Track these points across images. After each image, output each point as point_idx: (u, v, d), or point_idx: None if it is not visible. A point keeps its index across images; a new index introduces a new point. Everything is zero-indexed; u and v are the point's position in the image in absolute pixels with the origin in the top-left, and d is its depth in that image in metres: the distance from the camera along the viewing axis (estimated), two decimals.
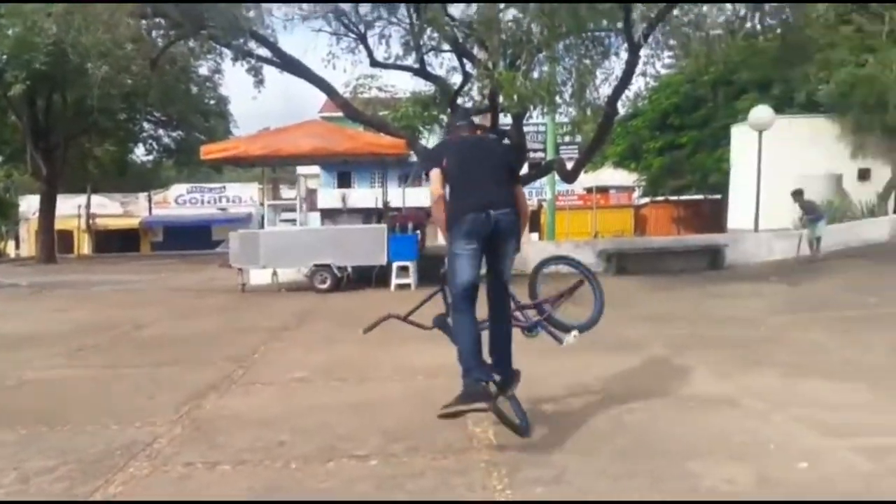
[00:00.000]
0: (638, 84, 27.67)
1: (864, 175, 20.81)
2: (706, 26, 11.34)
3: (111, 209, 40.82)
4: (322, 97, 14.46)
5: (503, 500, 3.11)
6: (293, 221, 15.36)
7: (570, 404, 4.49)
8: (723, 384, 4.89)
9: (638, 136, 29.34)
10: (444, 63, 13.15)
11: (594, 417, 4.19)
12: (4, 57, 20.42)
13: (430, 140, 15.76)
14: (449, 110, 13.54)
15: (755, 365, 5.42)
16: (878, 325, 7.17)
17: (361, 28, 12.47)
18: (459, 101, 13.19)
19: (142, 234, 41.83)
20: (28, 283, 15.91)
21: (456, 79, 13.13)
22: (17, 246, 40.19)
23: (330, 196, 32.96)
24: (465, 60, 12.52)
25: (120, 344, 7.46)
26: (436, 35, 11.75)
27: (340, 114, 14.11)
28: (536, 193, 29.27)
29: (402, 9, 11.82)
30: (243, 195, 41.64)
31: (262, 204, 16.21)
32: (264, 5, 12.21)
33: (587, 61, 11.81)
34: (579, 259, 5.14)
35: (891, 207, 19.60)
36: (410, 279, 12.05)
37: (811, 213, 13.69)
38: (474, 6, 11.83)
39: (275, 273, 12.87)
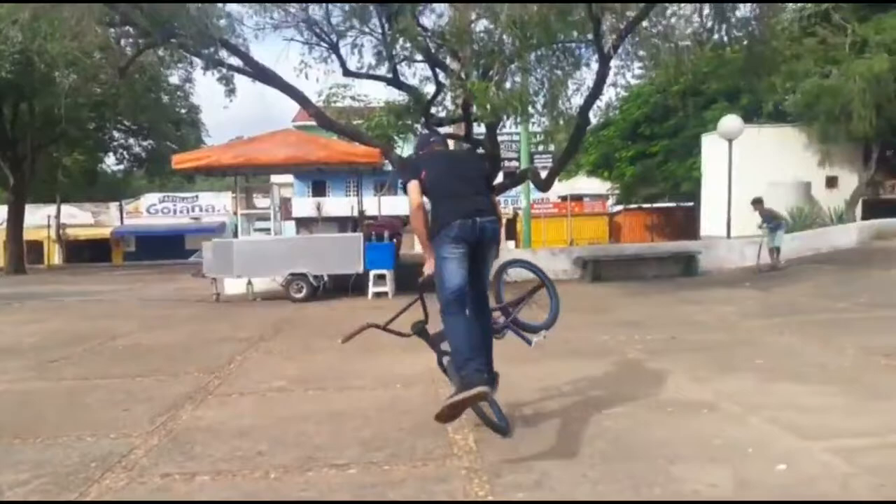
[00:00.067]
0: (609, 94, 27.90)
1: (831, 182, 21.26)
2: (675, 37, 11.57)
3: (82, 219, 40.22)
4: (295, 106, 14.44)
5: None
6: (267, 230, 15.25)
7: (550, 410, 4.50)
8: (700, 388, 4.94)
9: (610, 145, 29.63)
10: (417, 73, 13.23)
11: (574, 423, 4.20)
12: None
13: (405, 149, 15.78)
14: (423, 120, 13.60)
15: (731, 369, 5.49)
16: (848, 328, 7.31)
17: (333, 38, 12.47)
18: (433, 110, 13.26)
19: (113, 244, 41.26)
20: None
21: (429, 88, 13.21)
22: None
23: (305, 205, 32.81)
24: (437, 70, 12.58)
25: (93, 355, 7.33)
26: (408, 45, 11.78)
27: (314, 123, 14.06)
28: (512, 202, 29.43)
29: (374, 18, 11.84)
30: (216, 204, 41.29)
31: (235, 213, 16.09)
32: (235, 14, 12.18)
33: (559, 72, 11.97)
34: (537, 264, 5.20)
35: (858, 214, 20.02)
36: (388, 287, 12.03)
37: (770, 222, 13.74)
38: (446, 17, 11.93)
39: (250, 282, 12.76)
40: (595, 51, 11.28)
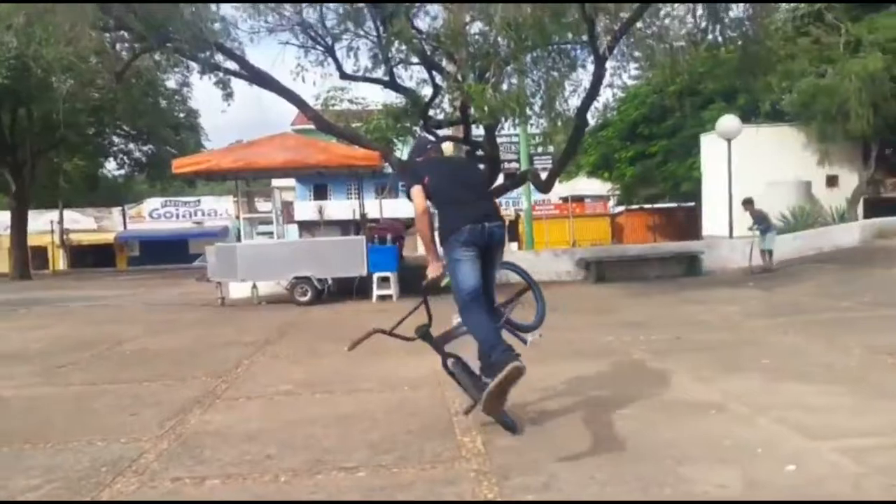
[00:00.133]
0: (606, 95, 28.11)
1: (832, 181, 21.27)
2: (669, 38, 11.60)
3: (85, 224, 40.31)
4: (294, 109, 14.43)
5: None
6: (270, 234, 15.27)
7: (556, 411, 4.52)
8: (706, 388, 4.95)
9: (609, 145, 29.66)
10: (413, 75, 13.26)
11: (581, 424, 4.22)
12: None
13: (404, 151, 15.80)
14: (421, 122, 13.62)
15: (736, 369, 5.50)
16: (853, 327, 7.31)
17: (329, 41, 12.49)
18: (431, 112, 13.28)
19: (117, 249, 41.34)
20: (4, 301, 15.62)
21: (426, 91, 13.21)
22: None
23: (307, 208, 32.85)
24: (434, 73, 12.59)
25: (100, 360, 7.36)
26: (404, 48, 11.81)
27: (313, 126, 14.09)
28: (513, 203, 29.46)
29: (369, 21, 11.86)
30: (218, 208, 41.35)
31: (237, 217, 16.10)
32: (229, 18, 12.21)
33: (555, 73, 12.00)
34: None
35: (860, 213, 20.03)
36: (391, 290, 12.05)
37: (761, 224, 13.66)
38: (440, 19, 11.96)
39: (254, 286, 12.79)
40: (590, 52, 11.30)
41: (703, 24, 11.63)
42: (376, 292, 12.05)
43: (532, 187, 16.89)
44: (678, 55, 11.74)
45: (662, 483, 3.24)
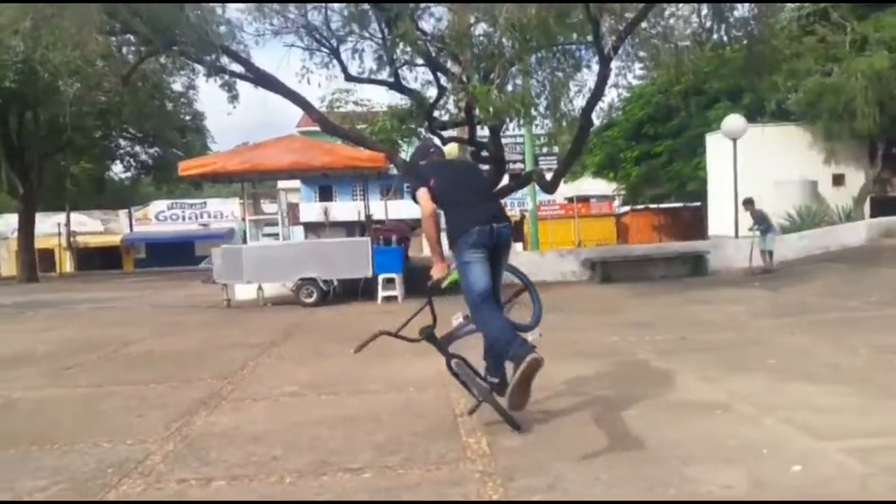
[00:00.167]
0: (611, 95, 27.97)
1: (838, 181, 21.20)
2: (674, 38, 11.58)
3: (91, 227, 40.45)
4: (299, 111, 14.45)
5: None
6: (276, 236, 15.29)
7: (561, 412, 4.51)
8: (712, 389, 4.94)
9: (614, 145, 29.66)
10: (418, 77, 13.22)
11: (586, 425, 4.22)
12: None
13: (409, 153, 15.81)
14: (426, 123, 13.62)
15: (742, 369, 5.48)
16: (860, 327, 7.29)
17: (334, 43, 12.49)
18: (436, 114, 13.28)
19: (124, 251, 41.49)
20: (11, 303, 15.70)
21: (431, 92, 13.22)
22: None
23: (312, 210, 32.89)
24: (439, 74, 12.59)
25: (107, 362, 7.38)
26: (408, 49, 11.81)
27: (318, 128, 14.11)
28: (518, 204, 29.44)
29: (374, 23, 11.88)
30: (224, 210, 41.46)
31: (243, 219, 16.15)
32: (235, 20, 12.25)
33: (560, 74, 12.00)
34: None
35: (867, 212, 19.95)
36: (397, 291, 12.06)
37: (761, 224, 13.57)
38: (445, 21, 11.96)
39: (260, 288, 12.81)
40: (595, 52, 11.30)
41: (708, 24, 11.62)
42: (381, 293, 12.06)
43: (537, 188, 16.88)
44: (683, 55, 11.73)
45: (668, 483, 3.24)
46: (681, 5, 11.59)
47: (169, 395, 5.58)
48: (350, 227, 16.13)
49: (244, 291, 13.16)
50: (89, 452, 4.13)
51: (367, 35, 12.13)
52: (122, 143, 30.59)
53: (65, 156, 28.83)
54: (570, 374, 5.43)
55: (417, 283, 10.13)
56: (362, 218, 15.49)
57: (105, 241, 40.44)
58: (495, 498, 3.21)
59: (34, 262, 26.99)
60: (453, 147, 15.71)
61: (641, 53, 12.38)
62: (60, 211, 35.86)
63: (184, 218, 42.30)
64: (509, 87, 11.01)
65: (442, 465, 3.67)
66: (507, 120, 11.86)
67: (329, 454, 3.91)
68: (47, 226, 34.23)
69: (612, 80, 12.08)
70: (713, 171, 22.20)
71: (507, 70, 10.69)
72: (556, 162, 19.29)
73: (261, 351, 7.56)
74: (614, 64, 11.70)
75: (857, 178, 20.96)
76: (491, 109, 10.22)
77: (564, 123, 12.45)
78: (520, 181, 15.34)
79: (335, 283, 12.58)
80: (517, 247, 22.59)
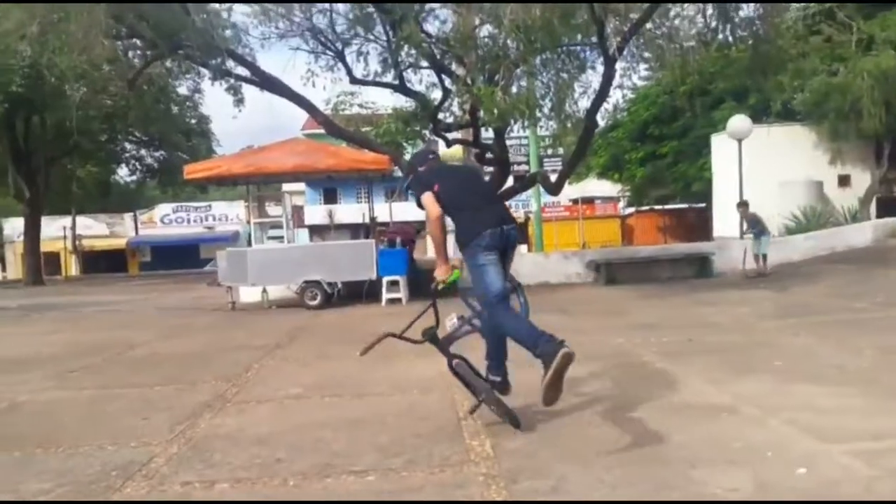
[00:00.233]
0: (616, 96, 27.94)
1: (844, 181, 21.11)
2: (679, 38, 11.57)
3: (97, 230, 40.63)
4: (304, 114, 14.49)
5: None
6: (281, 238, 15.33)
7: (566, 414, 4.49)
8: (717, 391, 4.92)
9: (619, 147, 29.61)
10: (423, 79, 13.25)
11: (590, 426, 4.21)
12: None
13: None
14: (431, 126, 13.63)
15: (748, 371, 5.46)
16: (866, 328, 7.25)
17: (339, 46, 12.52)
18: (440, 116, 13.29)
19: (129, 254, 41.64)
20: (17, 306, 15.77)
21: (436, 94, 13.23)
22: (4, 269, 39.93)
23: (317, 212, 32.95)
24: (443, 76, 12.60)
25: (112, 365, 7.41)
26: (413, 52, 11.83)
27: (323, 131, 14.14)
28: (523, 205, 29.41)
29: (378, 26, 11.90)
30: (229, 213, 41.58)
31: (248, 222, 16.20)
32: (240, 24, 12.29)
33: (564, 75, 12.00)
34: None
35: (873, 213, 19.87)
36: (401, 293, 12.07)
37: (754, 227, 13.42)
38: (449, 23, 11.97)
39: (265, 290, 12.84)
40: (600, 53, 11.28)
41: (714, 24, 11.59)
42: (386, 296, 12.07)
43: (542, 189, 16.87)
44: (688, 55, 11.71)
45: (672, 485, 3.22)
46: (686, 6, 11.57)
47: (173, 398, 5.59)
48: (355, 230, 16.16)
49: (249, 294, 13.19)
50: (94, 455, 4.14)
51: (371, 38, 12.16)
52: (128, 146, 30.72)
53: (71, 159, 28.97)
54: (575, 376, 5.37)
55: (423, 285, 10.13)
56: (367, 220, 15.51)
57: (110, 244, 40.60)
58: (499, 500, 3.20)
59: (40, 266, 27.13)
60: (458, 149, 15.73)
61: (646, 54, 12.40)
62: (66, 214, 36.05)
63: (189, 221, 42.45)
64: (514, 89, 11.01)
65: (446, 467, 3.66)
66: (512, 121, 11.86)
67: (333, 456, 3.91)
68: (53, 229, 34.38)
69: (616, 81, 12.10)
70: (718, 171, 22.15)
71: (511, 72, 10.69)
72: (560, 163, 19.29)
73: (265, 353, 7.57)
74: (619, 65, 11.70)
75: (863, 179, 20.86)
76: (495, 111, 10.22)
77: (569, 125, 12.44)
78: (524, 183, 15.33)
79: (339, 285, 12.59)
80: (521, 248, 22.60)
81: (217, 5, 12.13)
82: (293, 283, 12.47)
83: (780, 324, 7.92)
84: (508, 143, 14.55)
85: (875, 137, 19.51)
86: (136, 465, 3.91)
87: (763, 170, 18.17)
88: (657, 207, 31.29)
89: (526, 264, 13.96)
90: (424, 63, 12.40)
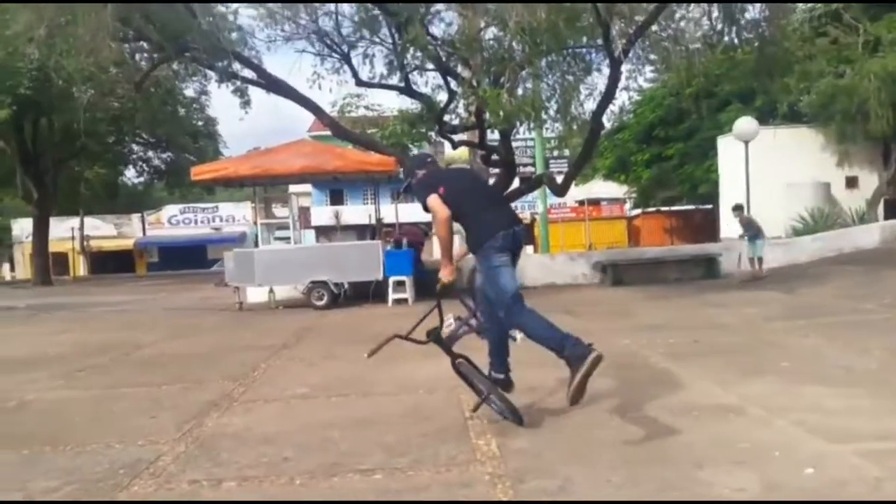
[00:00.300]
0: (622, 98, 27.91)
1: (851, 183, 21.06)
2: (685, 40, 11.54)
3: (105, 231, 40.83)
4: (310, 116, 14.53)
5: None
6: (288, 239, 15.36)
7: (572, 414, 4.48)
8: (724, 392, 4.91)
9: (625, 148, 29.58)
10: (429, 81, 13.25)
11: (597, 427, 4.20)
12: None
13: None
14: (437, 127, 13.65)
15: (756, 372, 5.44)
16: (874, 329, 7.22)
17: (345, 48, 12.54)
18: (446, 118, 13.30)
19: (137, 255, 41.82)
20: (25, 306, 15.85)
21: (442, 96, 13.24)
22: (12, 269, 40.15)
23: (323, 214, 33.02)
24: (449, 78, 12.61)
25: (120, 364, 7.44)
26: (419, 54, 11.84)
27: (329, 133, 14.17)
28: (529, 207, 29.40)
29: (384, 28, 11.92)
30: (236, 214, 41.71)
31: (255, 223, 16.24)
32: (246, 27, 12.33)
33: (570, 77, 11.98)
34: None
35: (880, 214, 19.80)
36: (407, 294, 12.08)
37: (748, 230, 13.31)
38: (455, 25, 11.99)
39: (271, 291, 12.87)
40: (606, 55, 11.26)
41: (720, 26, 11.56)
42: (392, 296, 12.09)
43: (548, 191, 16.86)
44: (694, 57, 11.68)
45: (679, 486, 3.22)
46: (691, 8, 11.55)
47: (181, 397, 5.61)
48: (361, 231, 16.20)
49: (256, 294, 13.22)
50: (101, 453, 4.16)
51: (377, 40, 12.19)
52: (136, 148, 30.86)
53: (79, 161, 29.09)
54: None
55: (429, 286, 10.12)
56: (373, 221, 15.54)
57: (118, 245, 40.78)
58: (505, 500, 3.20)
59: (48, 266, 27.26)
60: (463, 151, 15.74)
61: (652, 56, 12.36)
62: (74, 215, 36.19)
63: (196, 222, 42.59)
64: (520, 91, 11.00)
65: (452, 466, 3.66)
66: (518, 123, 11.85)
67: (339, 455, 3.91)
68: (61, 230, 34.55)
69: (622, 82, 12.05)
70: (725, 173, 22.11)
71: (517, 74, 10.69)
72: (566, 165, 19.27)
73: (272, 353, 7.58)
74: (625, 67, 11.68)
75: (870, 181, 20.80)
76: (501, 113, 10.22)
77: (575, 126, 12.43)
78: (530, 184, 15.32)
79: (346, 285, 12.61)
80: (528, 250, 22.61)
81: (223, 8, 12.19)
82: (300, 284, 12.50)
83: (787, 325, 7.89)
84: (514, 144, 14.53)
85: (882, 139, 19.45)
86: (143, 463, 3.92)
87: (770, 172, 18.12)
88: (663, 209, 31.23)
89: (532, 265, 13.96)
90: (430, 65, 12.41)
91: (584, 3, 9.88)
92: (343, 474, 3.62)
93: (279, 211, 18.10)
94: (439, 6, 11.82)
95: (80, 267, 38.30)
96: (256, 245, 14.30)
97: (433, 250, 16.10)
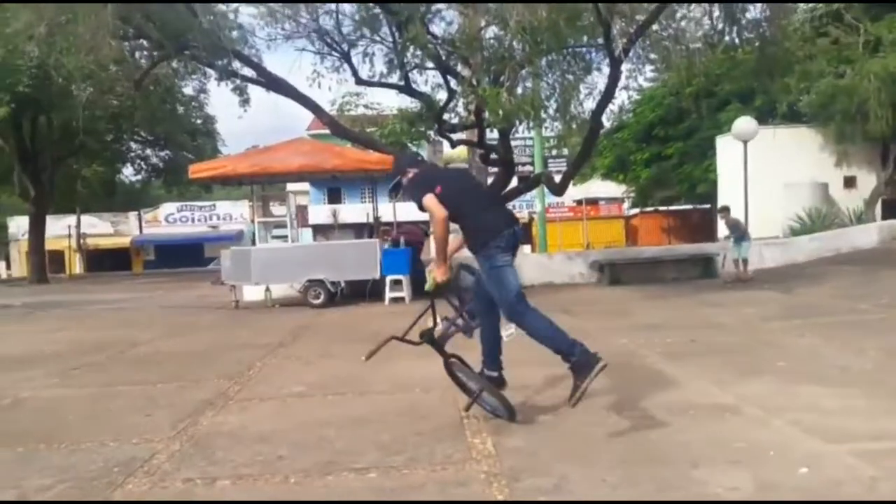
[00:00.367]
0: (622, 97, 27.88)
1: (849, 183, 21.10)
2: (686, 40, 11.53)
3: (102, 229, 40.80)
4: (309, 115, 14.50)
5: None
6: (285, 238, 15.36)
7: (568, 413, 4.46)
8: (721, 391, 4.90)
9: (624, 148, 29.62)
10: (428, 80, 13.21)
11: (593, 426, 4.19)
12: None
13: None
14: (436, 126, 13.63)
15: (752, 371, 5.44)
16: (870, 330, 7.22)
17: (345, 47, 12.52)
18: (445, 117, 13.29)
19: (133, 253, 41.78)
20: (21, 304, 15.83)
21: (441, 95, 13.22)
22: (8, 267, 40.11)
23: (321, 212, 32.99)
24: (449, 77, 12.59)
25: (115, 362, 7.43)
26: (419, 53, 11.82)
27: (328, 131, 14.15)
28: (527, 206, 29.42)
29: (385, 27, 11.90)
30: (234, 213, 41.71)
31: (252, 221, 16.23)
32: (246, 25, 12.32)
33: (570, 76, 11.96)
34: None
35: (878, 214, 19.83)
36: (404, 293, 12.07)
37: (734, 232, 13.23)
38: (455, 24, 11.97)
39: (268, 289, 12.86)
40: (606, 55, 11.25)
41: (720, 26, 11.56)
42: (389, 295, 12.08)
43: (546, 190, 16.85)
44: (694, 57, 11.66)
45: (674, 485, 3.22)
46: (692, 7, 11.54)
47: (176, 395, 5.60)
48: (359, 229, 16.18)
49: (252, 293, 13.21)
50: (96, 451, 4.15)
51: (377, 39, 12.16)
52: (134, 146, 30.86)
53: (77, 159, 29.11)
54: None
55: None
56: (371, 220, 15.52)
57: (115, 243, 40.75)
58: (501, 498, 3.20)
59: (44, 264, 27.23)
60: (462, 150, 15.73)
61: (652, 56, 12.35)
62: (71, 213, 36.19)
63: (193, 220, 42.58)
64: (519, 90, 10.99)
65: (447, 465, 3.66)
66: (517, 122, 11.83)
67: (335, 454, 3.91)
68: (58, 228, 34.54)
69: (622, 82, 12.03)
70: (724, 173, 22.12)
71: (517, 73, 10.68)
72: (565, 164, 19.28)
73: (268, 352, 7.57)
74: (625, 66, 11.66)
75: (868, 181, 20.85)
76: (501, 112, 10.20)
77: (574, 126, 12.41)
78: (528, 183, 15.32)
79: (342, 284, 12.60)
80: (525, 249, 22.61)
81: (223, 6, 12.17)
82: (296, 282, 12.49)
83: (784, 325, 7.89)
84: (513, 143, 14.53)
85: (881, 139, 19.48)
86: (137, 461, 3.91)
87: (768, 171, 18.14)
88: (661, 208, 31.27)
89: (530, 265, 13.96)
90: (430, 64, 12.39)
91: (585, 3, 9.87)
92: (338, 473, 3.61)
93: (277, 209, 18.10)
94: (440, 5, 11.82)
95: (77, 265, 38.28)
96: (254, 243, 14.29)
97: (429, 250, 16.11)
